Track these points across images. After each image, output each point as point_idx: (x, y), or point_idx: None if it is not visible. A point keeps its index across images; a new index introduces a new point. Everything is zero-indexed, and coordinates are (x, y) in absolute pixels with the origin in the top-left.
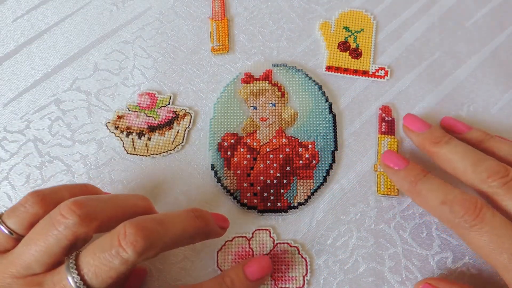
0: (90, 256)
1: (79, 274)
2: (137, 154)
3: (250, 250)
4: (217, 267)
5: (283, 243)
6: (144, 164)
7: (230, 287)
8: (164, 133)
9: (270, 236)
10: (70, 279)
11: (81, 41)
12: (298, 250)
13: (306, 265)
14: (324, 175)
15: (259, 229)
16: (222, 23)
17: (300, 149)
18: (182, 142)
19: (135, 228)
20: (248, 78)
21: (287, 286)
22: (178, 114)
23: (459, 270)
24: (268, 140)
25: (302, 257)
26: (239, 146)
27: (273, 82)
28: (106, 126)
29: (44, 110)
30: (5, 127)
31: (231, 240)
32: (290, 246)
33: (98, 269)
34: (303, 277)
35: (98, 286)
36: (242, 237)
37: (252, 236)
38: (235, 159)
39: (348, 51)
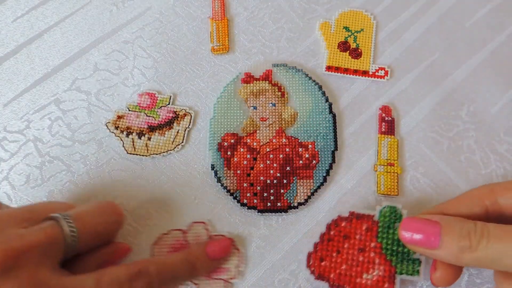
0: None
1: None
2: (137, 154)
3: (186, 243)
4: None
5: (218, 235)
6: (144, 164)
7: (192, 262)
8: (164, 133)
9: (206, 229)
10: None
11: (81, 41)
12: (233, 242)
13: (240, 256)
14: (324, 175)
15: (195, 222)
16: (222, 23)
17: (300, 149)
18: (182, 142)
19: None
20: (248, 78)
21: (221, 277)
22: (178, 114)
23: None
24: (268, 140)
25: (236, 249)
26: (239, 146)
27: (273, 82)
28: (106, 126)
29: (44, 110)
30: (5, 127)
31: (167, 233)
32: None
33: None
34: (237, 268)
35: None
36: (178, 230)
37: (188, 229)
38: (235, 159)
39: (348, 51)
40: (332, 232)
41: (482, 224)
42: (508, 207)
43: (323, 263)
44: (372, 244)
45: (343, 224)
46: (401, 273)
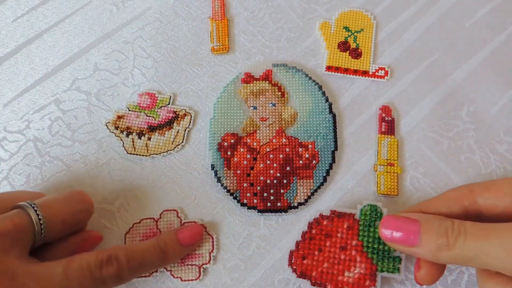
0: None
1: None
2: (137, 154)
3: (158, 231)
4: None
5: (190, 222)
6: (144, 164)
7: (163, 248)
8: (164, 133)
9: (178, 216)
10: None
11: (81, 41)
12: (205, 228)
13: (213, 242)
14: (324, 175)
15: (166, 210)
16: (222, 23)
17: (300, 149)
18: (182, 142)
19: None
20: (248, 78)
21: (194, 263)
22: (178, 114)
23: (459, 270)
24: (268, 140)
25: (208, 234)
26: (239, 146)
27: (273, 82)
28: (106, 126)
29: (44, 110)
30: (5, 127)
31: (139, 222)
32: None
33: None
34: (209, 253)
35: None
36: (150, 218)
37: (160, 217)
38: (235, 159)
39: (348, 51)
40: (313, 231)
41: (459, 222)
42: (487, 207)
43: (305, 261)
44: (354, 242)
45: (324, 223)
46: (382, 271)
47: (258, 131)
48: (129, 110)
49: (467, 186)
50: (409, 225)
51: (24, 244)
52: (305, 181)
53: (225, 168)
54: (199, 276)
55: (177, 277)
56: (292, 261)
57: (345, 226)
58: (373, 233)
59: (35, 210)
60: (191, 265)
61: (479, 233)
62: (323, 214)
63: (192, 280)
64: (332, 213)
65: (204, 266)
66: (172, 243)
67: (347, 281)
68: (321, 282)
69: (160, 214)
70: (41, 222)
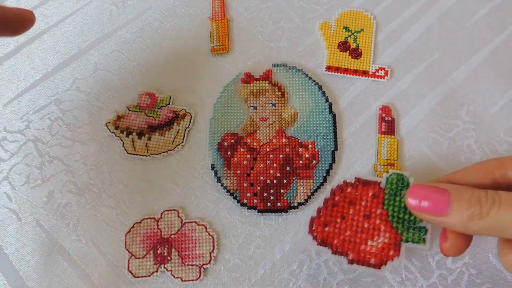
0: None
1: None
2: (137, 154)
3: (159, 230)
4: (126, 249)
5: (191, 222)
6: (144, 164)
7: None
8: (164, 133)
9: (178, 216)
10: None
11: (81, 41)
12: (206, 228)
13: (213, 242)
14: (324, 175)
15: (167, 210)
16: (222, 23)
17: (300, 149)
18: (182, 142)
19: None
20: (248, 78)
21: (194, 263)
22: (178, 114)
23: (459, 270)
24: (268, 140)
25: (209, 234)
26: (239, 146)
27: (273, 82)
28: (106, 126)
29: (44, 110)
30: (5, 127)
31: (140, 222)
32: (198, 225)
33: None
34: (210, 254)
35: None
36: (151, 218)
37: (160, 217)
38: (235, 159)
39: (348, 51)
40: (336, 198)
41: (493, 191)
42: None
43: (326, 229)
44: (378, 211)
45: (348, 190)
46: (406, 241)
47: (258, 131)
48: (129, 110)
49: (497, 159)
50: (438, 194)
51: None
52: (305, 181)
53: (225, 168)
54: (200, 276)
55: (177, 277)
56: (313, 228)
57: (370, 194)
58: (398, 202)
59: None
60: (192, 265)
61: None
62: (347, 181)
63: (192, 280)
64: (357, 180)
65: (204, 266)
66: None
67: (370, 250)
68: (343, 251)
69: (161, 214)
70: None
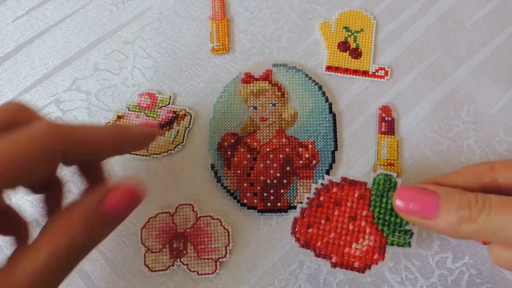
0: None
1: None
2: (137, 154)
3: (174, 225)
4: (141, 244)
5: (206, 216)
6: (144, 164)
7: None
8: (164, 133)
9: (193, 210)
10: None
11: (81, 41)
12: (220, 222)
13: (228, 235)
14: (324, 175)
15: (182, 204)
16: (222, 23)
17: (300, 149)
18: (182, 142)
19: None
20: (248, 78)
21: (210, 257)
22: (178, 114)
23: (459, 270)
24: (268, 140)
25: (224, 228)
26: (239, 146)
27: (273, 82)
28: None
29: (44, 110)
30: None
31: (155, 217)
32: (213, 219)
33: None
34: (226, 247)
35: None
36: (166, 213)
37: (176, 211)
38: (235, 159)
39: (348, 51)
40: (321, 198)
41: (483, 194)
42: (508, 186)
43: (310, 230)
44: (364, 213)
45: (334, 190)
46: (392, 244)
47: (258, 131)
48: (129, 110)
49: (487, 163)
50: (427, 196)
51: None
52: (305, 181)
53: (225, 168)
54: (216, 269)
55: (193, 271)
56: (296, 229)
57: (356, 195)
58: (385, 204)
59: None
60: (208, 259)
61: (504, 206)
62: (333, 181)
63: (208, 274)
64: (343, 180)
65: (220, 260)
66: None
67: (354, 253)
68: (326, 254)
69: (176, 208)
70: None
